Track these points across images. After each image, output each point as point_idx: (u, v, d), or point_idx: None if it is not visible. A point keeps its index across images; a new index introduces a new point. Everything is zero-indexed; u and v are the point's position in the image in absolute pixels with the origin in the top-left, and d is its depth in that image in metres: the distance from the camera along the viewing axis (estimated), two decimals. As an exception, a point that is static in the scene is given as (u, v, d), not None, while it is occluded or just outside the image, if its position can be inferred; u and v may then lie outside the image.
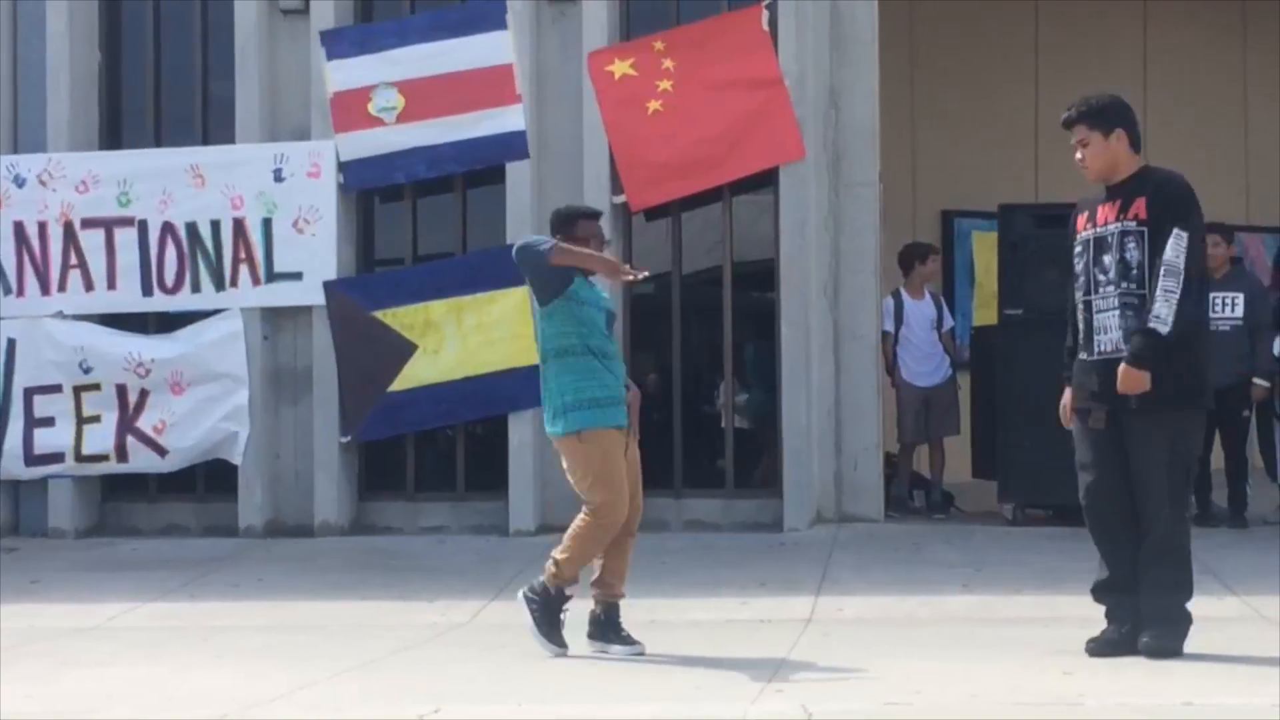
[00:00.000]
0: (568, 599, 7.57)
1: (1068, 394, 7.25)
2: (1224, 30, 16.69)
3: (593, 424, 7.39)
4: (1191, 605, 7.11)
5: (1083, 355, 7.14)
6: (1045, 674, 6.86)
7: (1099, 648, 7.09)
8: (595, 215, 7.83)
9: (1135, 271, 6.96)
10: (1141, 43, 16.23)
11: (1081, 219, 7.20)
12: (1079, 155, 7.14)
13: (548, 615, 7.53)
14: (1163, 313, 6.85)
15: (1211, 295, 10.94)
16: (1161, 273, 6.87)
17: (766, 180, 11.65)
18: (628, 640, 7.58)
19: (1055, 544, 10.29)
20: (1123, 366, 6.92)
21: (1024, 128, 15.18)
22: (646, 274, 7.79)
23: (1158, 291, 6.87)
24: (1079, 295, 7.15)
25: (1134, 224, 6.98)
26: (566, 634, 7.53)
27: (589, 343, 7.48)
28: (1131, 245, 6.98)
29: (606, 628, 7.62)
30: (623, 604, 7.69)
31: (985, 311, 14.67)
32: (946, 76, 15.19)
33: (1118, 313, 7.00)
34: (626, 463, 7.52)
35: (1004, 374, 11.42)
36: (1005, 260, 11.67)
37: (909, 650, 7.65)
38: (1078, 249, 7.17)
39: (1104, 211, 7.09)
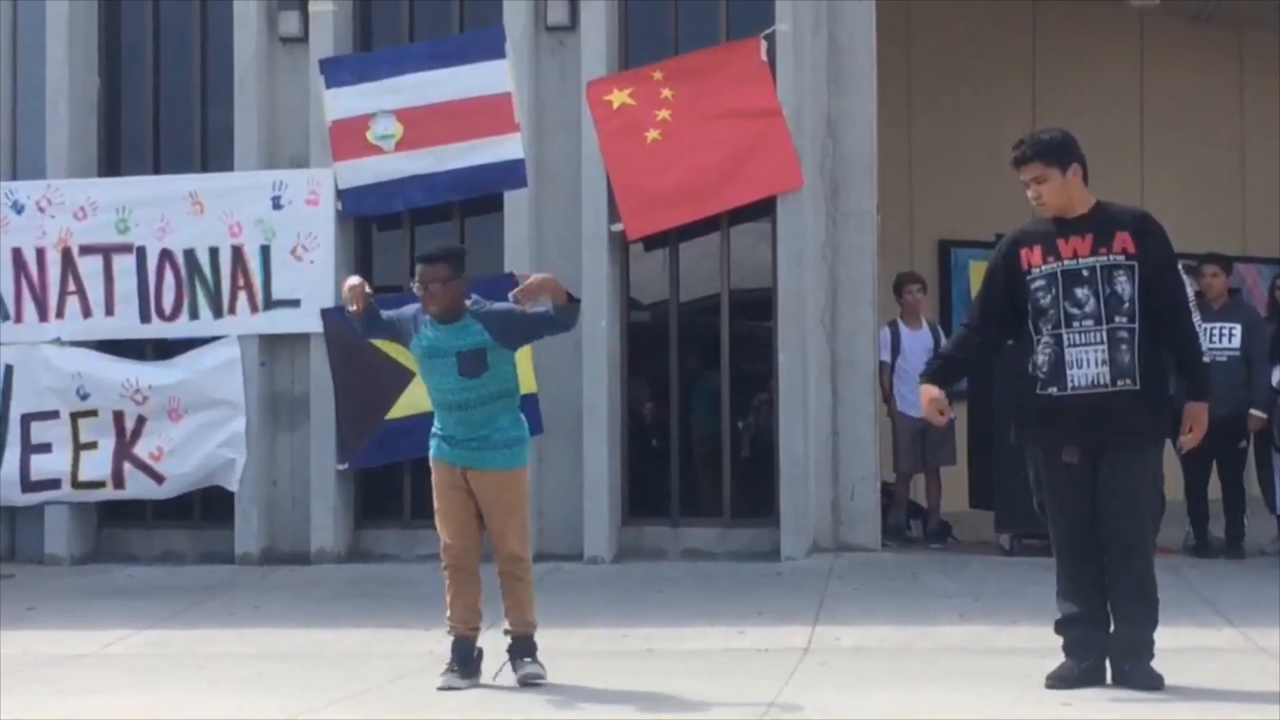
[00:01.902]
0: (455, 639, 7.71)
1: (927, 390, 7.31)
2: (1221, 62, 16.77)
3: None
4: (1187, 637, 7.12)
5: (1051, 390, 7.02)
6: (1043, 705, 6.85)
7: (1058, 682, 7.08)
8: (424, 259, 7.76)
9: (1127, 305, 6.96)
10: (1138, 77, 16.31)
11: (1034, 252, 7.07)
12: (1032, 192, 7.14)
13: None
14: (1202, 346, 7.11)
15: (1209, 326, 10.97)
16: (1184, 309, 7.04)
17: (764, 209, 11.66)
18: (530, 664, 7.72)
19: (1052, 574, 10.21)
20: (1195, 406, 7.04)
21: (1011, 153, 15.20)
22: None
23: (1186, 327, 7.04)
24: (1045, 329, 7.06)
25: (1122, 258, 6.98)
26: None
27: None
28: (1122, 279, 6.97)
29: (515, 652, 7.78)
30: (617, 632, 7.69)
31: (982, 341, 14.70)
32: (943, 107, 15.24)
33: (1103, 347, 6.95)
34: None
35: (1000, 404, 11.41)
36: (1002, 290, 11.64)
37: (906, 680, 7.65)
38: (1040, 283, 7.03)
39: (1069, 245, 7.03)
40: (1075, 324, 6.99)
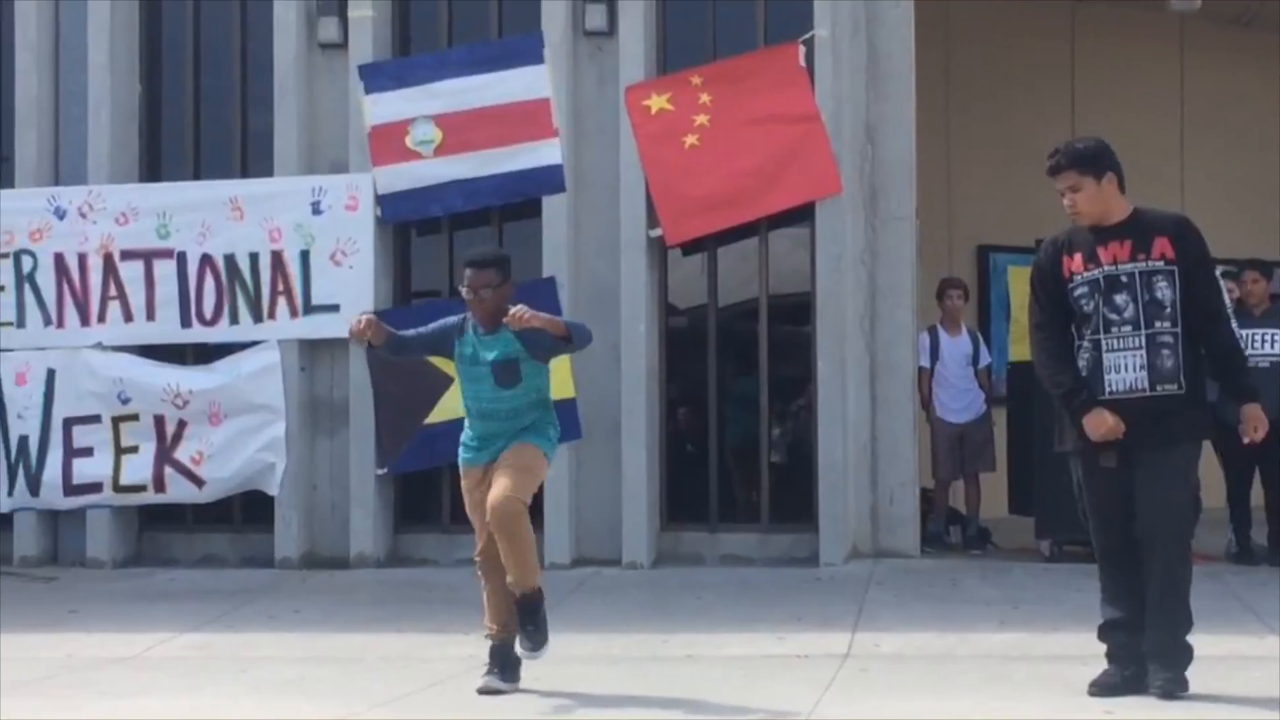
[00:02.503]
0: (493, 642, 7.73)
1: (1102, 418, 7.09)
2: (1262, 65, 16.65)
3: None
4: (1231, 644, 7.09)
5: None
6: (1086, 712, 6.83)
7: (1101, 690, 7.07)
8: (473, 264, 7.74)
9: (1169, 310, 6.97)
10: (1178, 80, 16.23)
11: (1075, 259, 7.08)
12: (1067, 201, 7.12)
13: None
14: (1242, 349, 7.21)
15: (1250, 331, 10.95)
16: (1221, 313, 7.11)
17: (803, 214, 11.65)
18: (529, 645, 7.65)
19: (1094, 581, 10.05)
20: (1250, 407, 7.05)
21: (1046, 161, 15.15)
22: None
23: (1224, 331, 7.12)
24: (1085, 334, 7.06)
25: (1162, 264, 6.99)
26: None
27: None
28: (1163, 284, 6.98)
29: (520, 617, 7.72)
30: (657, 637, 7.68)
31: (1021, 347, 14.61)
32: (982, 111, 15.20)
33: (1141, 352, 6.96)
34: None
35: (1040, 410, 11.36)
36: (1042, 295, 11.60)
37: (947, 687, 7.63)
38: (1083, 289, 7.04)
39: (1109, 251, 7.03)
40: (1114, 329, 6.99)
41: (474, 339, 7.67)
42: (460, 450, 7.87)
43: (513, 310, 7.35)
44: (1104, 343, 7.01)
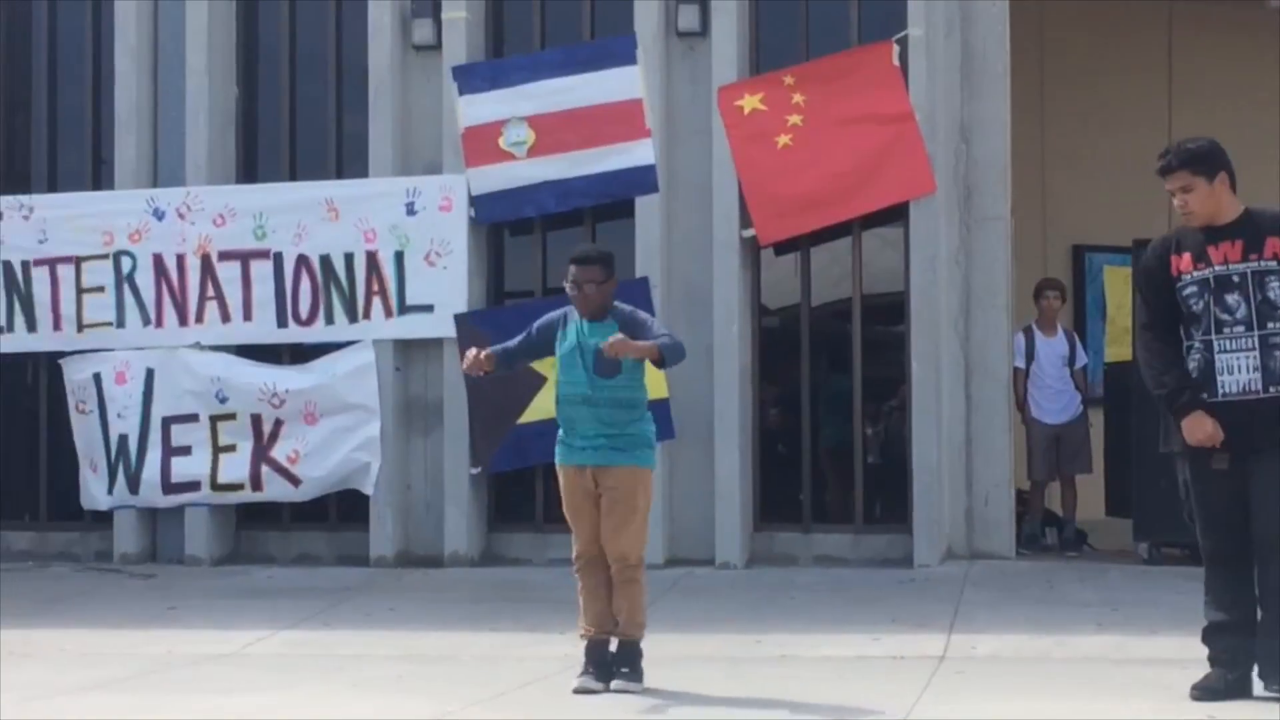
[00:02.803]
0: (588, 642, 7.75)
1: (1201, 422, 7.01)
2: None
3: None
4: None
5: (1201, 396, 6.96)
6: (1189, 715, 6.76)
7: (1204, 693, 6.99)
8: (580, 260, 7.82)
9: None
10: (1278, 78, 16.00)
11: (1184, 259, 7.02)
12: (1178, 201, 7.05)
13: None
14: None
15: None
16: None
17: (896, 214, 11.60)
18: (633, 678, 7.66)
19: (1192, 584, 9.95)
20: None
21: (1156, 162, 14.99)
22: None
23: None
24: (1196, 335, 6.99)
25: (1274, 264, 6.91)
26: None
27: None
28: (1275, 285, 6.90)
29: (618, 661, 7.73)
30: (750, 638, 7.67)
31: (1117, 347, 14.53)
32: (1077, 110, 15.07)
33: (1255, 354, 6.88)
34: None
35: (1139, 411, 11.26)
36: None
37: (1044, 690, 7.57)
38: (1192, 288, 6.98)
39: (1219, 251, 6.96)
40: (1226, 330, 6.92)
41: (576, 327, 7.73)
42: (557, 448, 7.86)
43: (610, 340, 7.46)
44: (1216, 344, 6.94)
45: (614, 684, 7.60)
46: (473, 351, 7.74)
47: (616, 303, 7.79)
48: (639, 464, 7.75)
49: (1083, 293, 15.25)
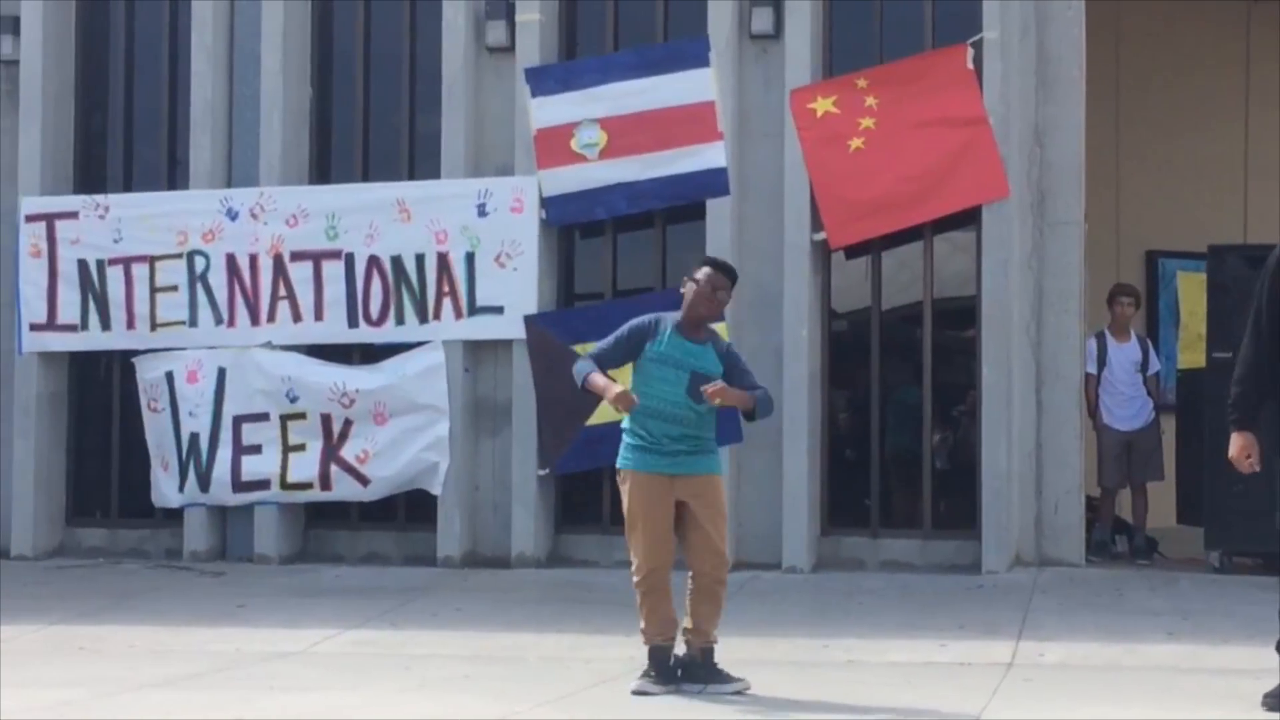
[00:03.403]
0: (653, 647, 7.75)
1: (1235, 440, 7.01)
2: None
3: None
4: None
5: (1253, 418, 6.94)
6: (1259, 726, 6.69)
7: (1278, 703, 6.90)
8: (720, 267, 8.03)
9: None
10: (1357, 80, 15.83)
11: None
12: None
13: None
14: None
15: None
16: None
17: (968, 218, 11.53)
18: (728, 679, 7.68)
19: (1265, 593, 9.94)
20: None
21: (1233, 167, 14.86)
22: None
23: None
24: None
25: None
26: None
27: None
28: None
29: (704, 670, 7.71)
30: (817, 642, 7.66)
31: (1190, 354, 14.38)
32: (1153, 115, 14.94)
33: None
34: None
35: (1212, 418, 11.14)
36: (1215, 302, 11.40)
37: (1114, 699, 7.52)
38: None
39: None
40: None
41: (673, 339, 7.77)
42: (629, 452, 7.87)
43: (714, 387, 7.56)
44: None
45: (710, 688, 7.64)
46: (619, 388, 7.74)
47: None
48: (719, 470, 7.93)
49: (1156, 299, 15.10)
